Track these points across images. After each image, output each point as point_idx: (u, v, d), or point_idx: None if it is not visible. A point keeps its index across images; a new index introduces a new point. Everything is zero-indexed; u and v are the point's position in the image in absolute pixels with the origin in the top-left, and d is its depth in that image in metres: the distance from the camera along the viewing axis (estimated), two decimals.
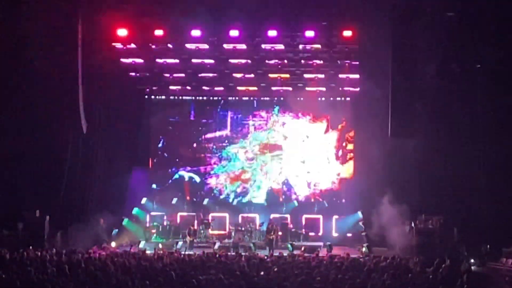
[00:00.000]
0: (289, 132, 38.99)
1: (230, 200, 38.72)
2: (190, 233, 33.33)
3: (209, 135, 39.38)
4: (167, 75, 36.26)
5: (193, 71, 35.74)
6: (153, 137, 39.35)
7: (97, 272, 20.37)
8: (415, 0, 30.11)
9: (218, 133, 39.37)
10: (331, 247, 31.39)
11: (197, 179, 39.20)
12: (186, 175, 39.21)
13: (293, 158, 38.79)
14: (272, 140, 39.03)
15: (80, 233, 31.75)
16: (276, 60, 34.13)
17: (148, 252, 28.62)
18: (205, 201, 38.06)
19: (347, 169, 38.30)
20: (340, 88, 37.26)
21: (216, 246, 31.67)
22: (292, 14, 30.80)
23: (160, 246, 32.10)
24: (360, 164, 36.53)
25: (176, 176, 39.20)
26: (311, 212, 36.85)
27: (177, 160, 39.31)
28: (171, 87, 38.02)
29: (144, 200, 36.50)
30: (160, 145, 39.35)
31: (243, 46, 32.58)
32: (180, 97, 39.14)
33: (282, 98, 38.70)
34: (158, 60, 34.49)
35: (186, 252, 28.18)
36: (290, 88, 37.43)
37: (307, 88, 37.19)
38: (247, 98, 39.08)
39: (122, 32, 31.74)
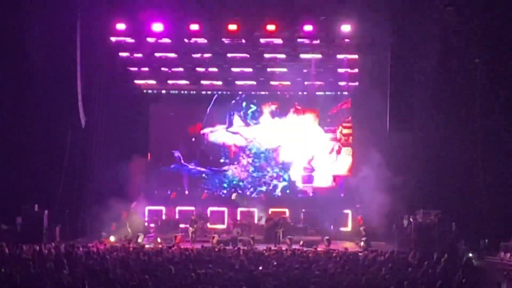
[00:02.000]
0: (287, 127, 38.97)
1: (229, 194, 38.72)
2: (192, 224, 33.30)
3: (207, 129, 39.32)
4: (165, 69, 36.22)
5: (191, 66, 35.72)
6: (151, 131, 39.30)
7: (96, 267, 20.41)
8: None
9: (216, 128, 39.34)
10: (330, 241, 31.40)
11: (196, 173, 39.21)
12: (185, 169, 39.23)
13: (294, 153, 38.87)
14: (272, 135, 39.04)
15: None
16: (275, 55, 34.13)
17: (147, 246, 28.71)
18: (204, 196, 38.06)
19: (343, 165, 38.38)
20: (339, 83, 37.23)
21: (214, 240, 31.67)
22: (290, 9, 30.78)
23: (159, 240, 32.12)
24: (358, 159, 36.51)
25: (174, 170, 39.24)
26: (310, 207, 36.81)
27: (175, 154, 39.27)
28: (169, 81, 37.98)
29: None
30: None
31: (241, 41, 32.59)
32: (179, 91, 39.06)
33: (279, 92, 38.73)
34: (156, 54, 34.46)
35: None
36: (289, 83, 37.41)
37: (305, 83, 37.17)
38: (245, 92, 39.02)
39: (120, 26, 31.74)
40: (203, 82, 37.85)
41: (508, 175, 30.35)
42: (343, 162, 38.39)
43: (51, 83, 31.48)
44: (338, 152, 38.50)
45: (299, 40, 32.44)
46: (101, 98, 34.66)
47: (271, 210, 35.93)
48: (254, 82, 37.75)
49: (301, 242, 31.40)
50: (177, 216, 36.43)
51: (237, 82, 37.79)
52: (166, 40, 32.75)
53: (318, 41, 32.57)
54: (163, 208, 36.80)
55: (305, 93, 38.46)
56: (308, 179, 38.60)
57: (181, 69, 36.19)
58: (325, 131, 38.68)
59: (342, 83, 37.25)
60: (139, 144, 38.29)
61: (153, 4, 30.87)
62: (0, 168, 31.92)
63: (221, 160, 39.21)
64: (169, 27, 31.67)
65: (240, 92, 38.99)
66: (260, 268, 21.34)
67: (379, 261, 22.87)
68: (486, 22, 29.68)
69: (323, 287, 18.60)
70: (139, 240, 31.85)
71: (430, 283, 19.24)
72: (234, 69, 35.98)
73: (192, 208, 36.31)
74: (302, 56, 34.09)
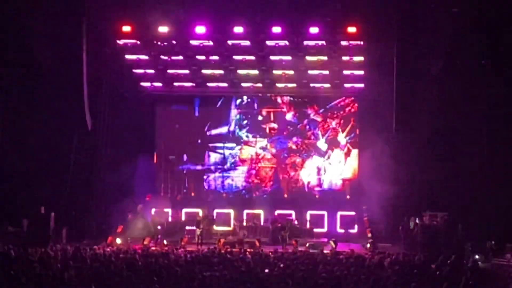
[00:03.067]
0: (294, 128, 38.99)
1: (235, 196, 38.65)
2: (198, 225, 33.13)
3: (213, 131, 39.32)
4: (172, 71, 36.22)
5: (197, 68, 35.72)
6: (158, 132, 39.31)
7: (103, 269, 20.43)
8: None
9: (222, 129, 39.34)
10: (336, 243, 31.35)
11: (202, 175, 39.22)
12: (191, 171, 39.26)
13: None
14: (280, 136, 39.07)
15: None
16: (280, 57, 34.11)
17: (153, 248, 28.72)
18: (210, 198, 38.04)
19: (349, 167, 38.31)
20: (345, 85, 37.13)
21: (221, 243, 31.63)
22: (296, 11, 30.80)
23: (165, 242, 32.12)
24: (364, 161, 36.47)
25: (181, 172, 39.27)
26: (316, 208, 36.75)
27: (182, 156, 39.32)
28: (176, 84, 37.93)
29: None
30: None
31: (247, 43, 32.61)
32: (185, 94, 39.04)
33: (286, 95, 38.66)
34: (162, 57, 34.51)
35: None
36: (295, 85, 37.35)
37: (311, 84, 37.10)
38: (251, 95, 38.97)
39: (126, 28, 31.83)
40: (209, 84, 37.79)
41: None
42: (349, 164, 38.32)
43: (57, 86, 31.63)
44: (347, 154, 38.40)
45: (305, 42, 32.45)
46: (108, 101, 34.69)
47: (277, 212, 35.84)
48: (260, 84, 37.67)
49: (307, 244, 31.37)
50: (183, 218, 36.40)
51: (243, 84, 37.71)
52: (172, 43, 32.85)
53: (324, 43, 32.56)
54: (169, 210, 36.74)
55: (311, 94, 38.34)
56: (317, 182, 38.57)
57: (187, 71, 36.18)
58: (332, 133, 38.67)
59: (347, 85, 37.10)
60: (146, 146, 38.30)
61: (158, 7, 30.92)
62: (7, 170, 32.02)
63: (228, 163, 39.22)
64: (175, 29, 31.77)
65: (246, 94, 38.93)
66: (266, 270, 21.34)
67: (385, 263, 22.85)
68: (493, 23, 29.64)
69: None
70: (145, 242, 31.81)
71: (436, 285, 19.25)
72: (240, 71, 35.94)
73: (199, 210, 36.21)
74: (308, 58, 34.06)
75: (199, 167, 39.33)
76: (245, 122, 39.27)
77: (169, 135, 39.35)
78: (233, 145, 39.26)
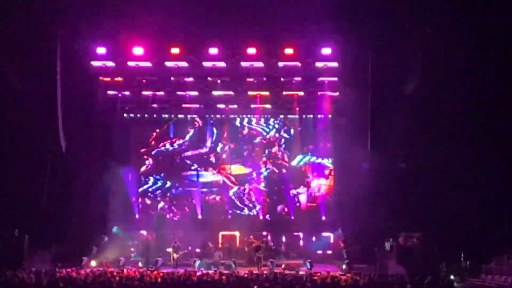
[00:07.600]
0: (269, 148, 39.07)
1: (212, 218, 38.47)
2: (176, 250, 32.93)
3: (189, 153, 39.27)
4: (146, 93, 36.13)
5: (172, 89, 35.67)
6: (133, 156, 39.17)
7: None
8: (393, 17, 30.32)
9: (198, 151, 39.30)
10: (312, 264, 31.33)
11: (179, 195, 39.13)
12: (168, 191, 39.20)
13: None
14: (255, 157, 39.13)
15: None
16: (256, 78, 34.16)
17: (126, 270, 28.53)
18: (186, 220, 37.92)
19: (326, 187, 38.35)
20: (320, 105, 37.16)
21: (196, 264, 31.51)
22: (271, 32, 30.92)
23: (140, 264, 31.95)
24: (339, 181, 36.52)
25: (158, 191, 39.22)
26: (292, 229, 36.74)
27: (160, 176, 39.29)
28: (151, 105, 37.78)
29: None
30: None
31: (222, 64, 32.67)
32: (160, 115, 38.96)
33: (262, 115, 38.70)
34: (137, 78, 34.46)
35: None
36: (270, 106, 37.40)
37: (286, 105, 37.18)
38: (226, 115, 38.96)
39: (101, 50, 31.83)
40: (184, 105, 37.71)
41: (490, 198, 30.43)
42: (324, 184, 38.35)
43: (32, 109, 31.40)
44: (322, 175, 38.48)
45: (280, 63, 32.58)
46: (82, 122, 34.51)
47: (252, 234, 35.70)
48: (235, 106, 37.71)
49: (283, 266, 31.32)
50: (157, 240, 36.10)
51: (218, 105, 37.71)
52: (146, 64, 32.87)
53: (299, 64, 32.70)
54: (144, 232, 36.52)
55: (288, 116, 38.43)
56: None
57: (162, 92, 36.12)
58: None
59: (322, 105, 37.12)
60: (121, 166, 38.06)
61: (133, 28, 30.91)
62: None
63: (204, 184, 39.17)
64: (149, 50, 31.80)
65: (221, 115, 38.94)
66: None
67: (361, 284, 22.82)
68: (466, 45, 29.85)
69: None
70: (120, 264, 31.67)
71: None
72: (215, 93, 35.91)
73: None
74: (283, 79, 34.16)
75: (175, 188, 39.22)
76: (220, 144, 39.26)
77: (146, 156, 39.32)
78: (209, 168, 39.23)
